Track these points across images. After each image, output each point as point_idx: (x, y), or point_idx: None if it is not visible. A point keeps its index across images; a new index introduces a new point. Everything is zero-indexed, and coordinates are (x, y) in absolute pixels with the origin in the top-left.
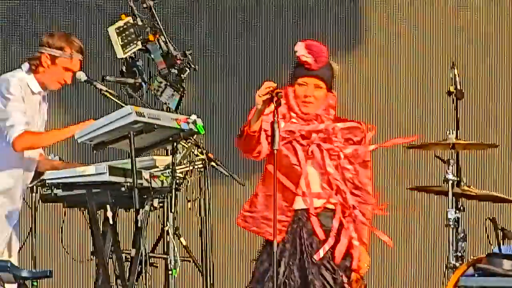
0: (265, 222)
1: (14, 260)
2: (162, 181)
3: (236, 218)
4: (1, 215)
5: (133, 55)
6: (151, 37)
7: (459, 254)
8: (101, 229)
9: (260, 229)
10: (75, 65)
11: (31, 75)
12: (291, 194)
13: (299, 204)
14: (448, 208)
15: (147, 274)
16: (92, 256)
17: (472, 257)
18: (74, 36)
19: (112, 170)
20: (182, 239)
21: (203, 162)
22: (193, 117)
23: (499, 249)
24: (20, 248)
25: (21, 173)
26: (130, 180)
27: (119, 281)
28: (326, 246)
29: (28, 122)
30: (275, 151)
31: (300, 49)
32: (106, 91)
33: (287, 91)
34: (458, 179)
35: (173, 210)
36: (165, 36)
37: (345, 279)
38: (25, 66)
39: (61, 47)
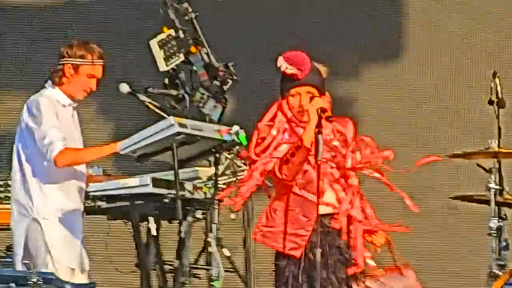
0: (283, 237)
1: (85, 276)
2: (205, 192)
3: (253, 233)
4: (67, 232)
5: (175, 67)
6: (193, 49)
7: (502, 263)
8: (144, 241)
9: (279, 244)
10: (98, 71)
11: (57, 89)
12: (311, 207)
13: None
14: (490, 217)
15: (190, 286)
16: (135, 268)
17: None
18: (93, 43)
19: (156, 182)
20: (225, 250)
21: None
22: (235, 128)
23: None
24: None
25: (76, 186)
26: (173, 191)
27: None
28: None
29: (65, 138)
30: (319, 162)
31: (281, 63)
32: (150, 102)
33: (281, 104)
34: (501, 187)
35: (216, 221)
36: (207, 48)
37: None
38: (49, 83)
39: (82, 55)
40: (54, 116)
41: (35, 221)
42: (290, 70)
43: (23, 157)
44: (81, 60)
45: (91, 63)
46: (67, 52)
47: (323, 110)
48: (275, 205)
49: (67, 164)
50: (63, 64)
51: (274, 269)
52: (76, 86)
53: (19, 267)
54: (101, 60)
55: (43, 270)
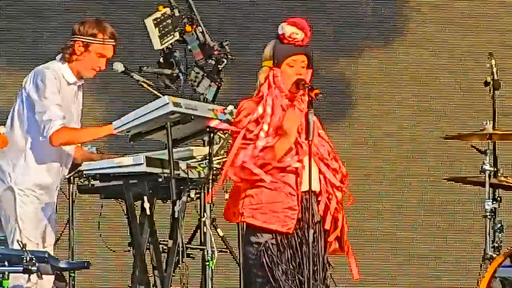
0: (275, 215)
1: (49, 250)
2: (199, 172)
3: (240, 216)
4: (38, 208)
5: (170, 46)
6: (188, 28)
7: (496, 245)
8: (138, 220)
9: (270, 222)
10: (108, 50)
11: (65, 65)
12: (296, 183)
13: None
14: (485, 198)
15: (184, 265)
16: (129, 247)
17: (509, 248)
18: (106, 22)
19: (149, 161)
20: (219, 230)
21: None
22: (230, 107)
23: None
24: (57, 240)
25: (58, 168)
26: (167, 171)
27: (156, 272)
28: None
29: (65, 116)
30: (311, 142)
31: (288, 28)
32: (144, 81)
33: (274, 73)
34: (495, 169)
35: (210, 201)
36: (202, 27)
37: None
38: (59, 56)
39: (93, 33)
40: (57, 92)
41: (10, 190)
42: (296, 34)
43: (17, 125)
44: (92, 38)
45: (101, 43)
46: (79, 29)
47: (312, 89)
48: (257, 185)
49: (62, 143)
50: (74, 41)
51: (250, 246)
52: (85, 64)
53: (14, 242)
54: (112, 40)
55: (10, 239)
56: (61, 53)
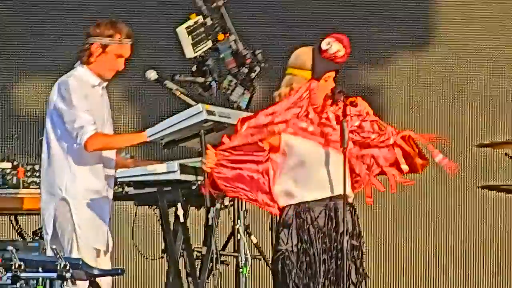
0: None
1: (108, 258)
2: None
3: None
4: (94, 213)
5: (203, 54)
6: (220, 36)
7: None
8: (172, 227)
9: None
10: (126, 50)
11: (85, 68)
12: None
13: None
14: None
15: (218, 272)
16: (163, 254)
17: None
18: (120, 22)
19: (184, 169)
20: (253, 237)
21: None
22: None
23: None
24: None
25: (103, 169)
26: (201, 178)
27: (190, 279)
28: None
29: (95, 121)
30: (346, 150)
31: (335, 45)
32: (177, 89)
33: (313, 86)
34: None
35: (243, 208)
36: (235, 35)
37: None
38: (78, 62)
39: (110, 34)
40: (83, 98)
41: (64, 201)
42: (341, 52)
43: (52, 138)
44: (109, 39)
45: (119, 42)
46: (95, 31)
47: (347, 96)
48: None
49: (97, 149)
50: (90, 44)
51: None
52: (104, 66)
53: (49, 248)
54: (129, 39)
55: (68, 249)
56: (79, 58)
